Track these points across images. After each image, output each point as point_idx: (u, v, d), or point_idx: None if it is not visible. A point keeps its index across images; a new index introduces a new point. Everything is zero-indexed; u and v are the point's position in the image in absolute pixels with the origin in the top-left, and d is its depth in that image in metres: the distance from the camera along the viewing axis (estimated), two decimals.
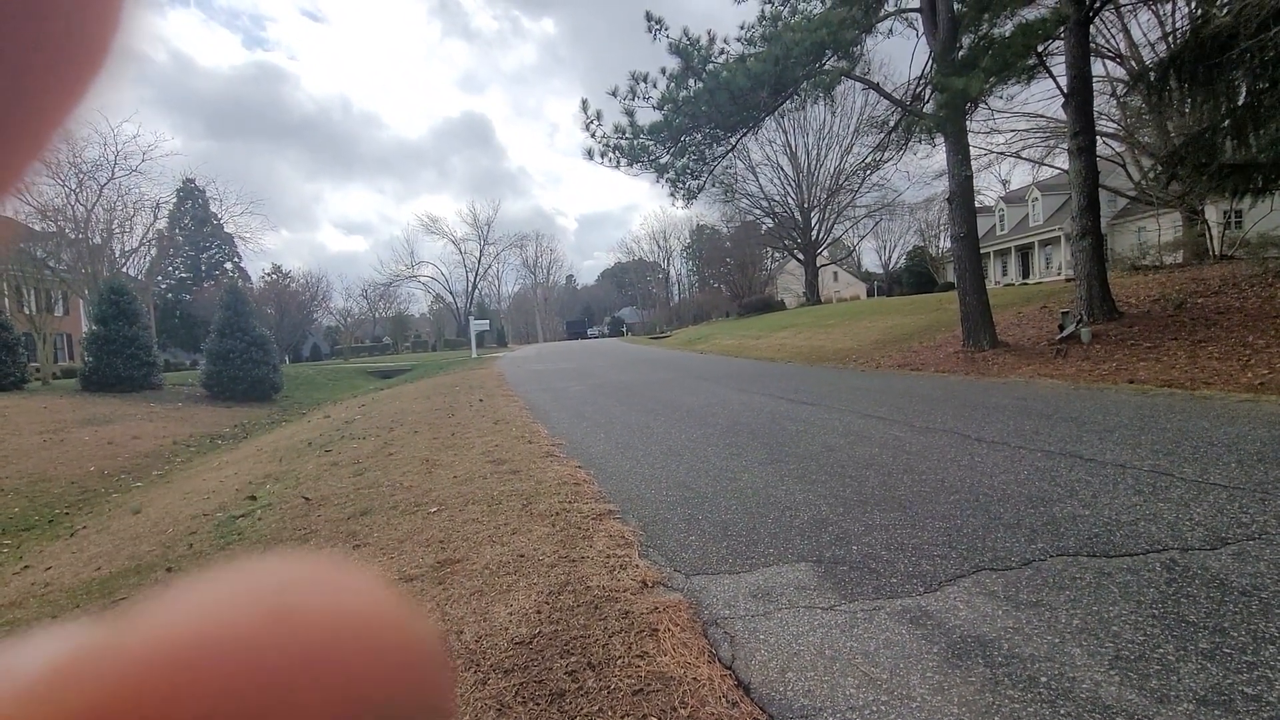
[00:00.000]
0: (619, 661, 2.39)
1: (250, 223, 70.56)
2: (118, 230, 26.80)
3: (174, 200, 43.04)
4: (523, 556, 3.48)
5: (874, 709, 1.96)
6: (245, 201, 72.57)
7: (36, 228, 25.47)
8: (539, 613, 2.82)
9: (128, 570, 4.68)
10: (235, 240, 45.66)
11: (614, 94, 13.72)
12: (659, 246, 78.74)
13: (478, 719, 2.15)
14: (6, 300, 22.85)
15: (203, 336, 23.19)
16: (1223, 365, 7.75)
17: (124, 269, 27.62)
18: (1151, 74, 11.93)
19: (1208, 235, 18.85)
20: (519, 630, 2.69)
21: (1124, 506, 3.45)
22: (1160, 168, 13.36)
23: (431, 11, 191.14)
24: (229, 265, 51.39)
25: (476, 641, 2.64)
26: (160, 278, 42.17)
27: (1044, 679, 2.01)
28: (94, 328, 19.98)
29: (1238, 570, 2.62)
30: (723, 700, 2.10)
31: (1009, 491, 3.88)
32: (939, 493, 3.98)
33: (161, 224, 30.95)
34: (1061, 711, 1.86)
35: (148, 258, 29.81)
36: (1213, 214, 19.34)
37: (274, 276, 52.51)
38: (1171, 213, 21.85)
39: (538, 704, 2.19)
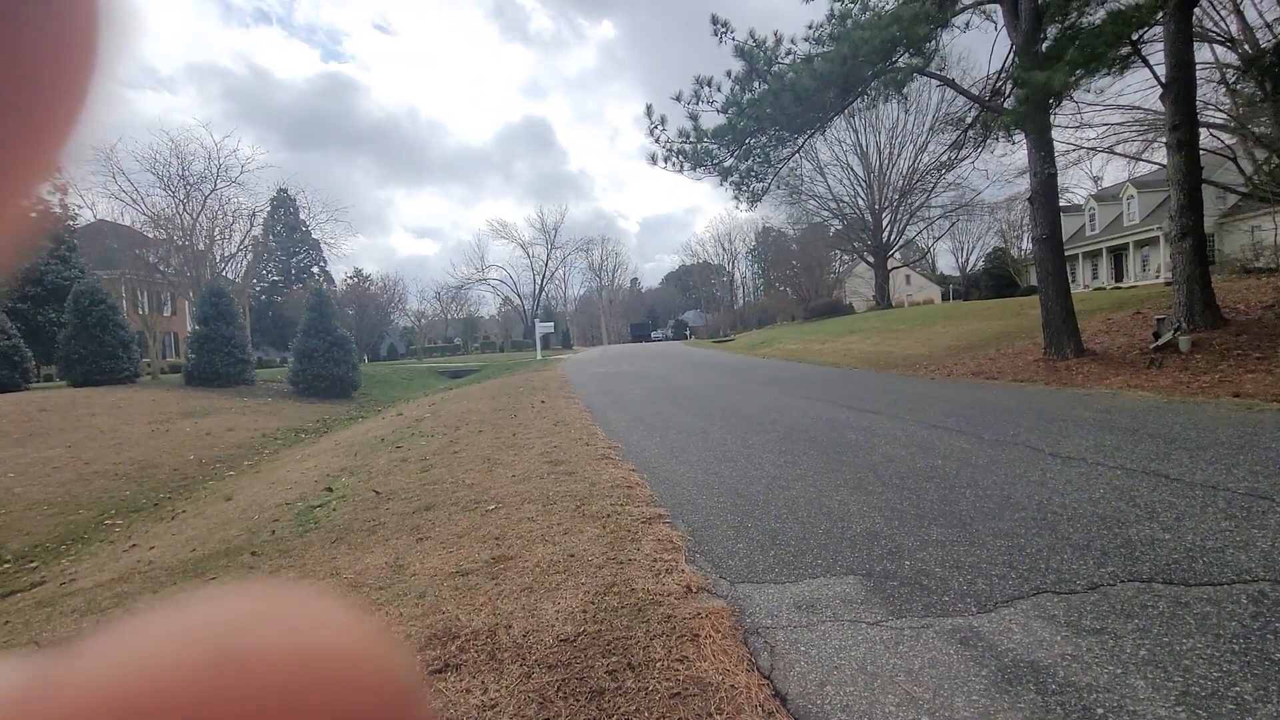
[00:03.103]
0: (659, 664, 2.42)
1: (334, 229, 74.62)
2: (219, 237, 29.05)
3: (268, 209, 46.22)
4: (572, 556, 3.57)
5: None
6: (330, 210, 77.05)
7: (150, 235, 27.98)
8: (584, 612, 2.89)
9: (218, 553, 5.09)
10: (321, 246, 48.56)
11: (678, 98, 13.79)
12: (723, 249, 78.31)
13: (520, 711, 2.23)
14: (124, 301, 25.19)
15: (292, 336, 24.81)
16: None
17: (223, 273, 29.89)
18: (1267, 58, 10.91)
19: None
20: (564, 628, 2.77)
21: (1211, 531, 3.20)
22: (1277, 160, 12.20)
23: (488, 15, 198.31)
24: (315, 269, 54.72)
25: (524, 636, 2.74)
26: (255, 281, 45.35)
27: (1100, 710, 1.91)
28: (196, 327, 21.74)
29: None
30: (759, 709, 2.10)
31: (1081, 510, 3.66)
32: (1003, 509, 3.80)
33: (257, 231, 33.33)
34: None
35: (244, 262, 32.16)
36: None
37: (355, 280, 55.51)
38: None
39: (578, 700, 2.25)
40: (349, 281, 55.44)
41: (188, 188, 27.50)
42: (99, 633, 0.14)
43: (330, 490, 6.51)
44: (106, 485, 10.28)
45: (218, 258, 29.47)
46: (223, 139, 35.95)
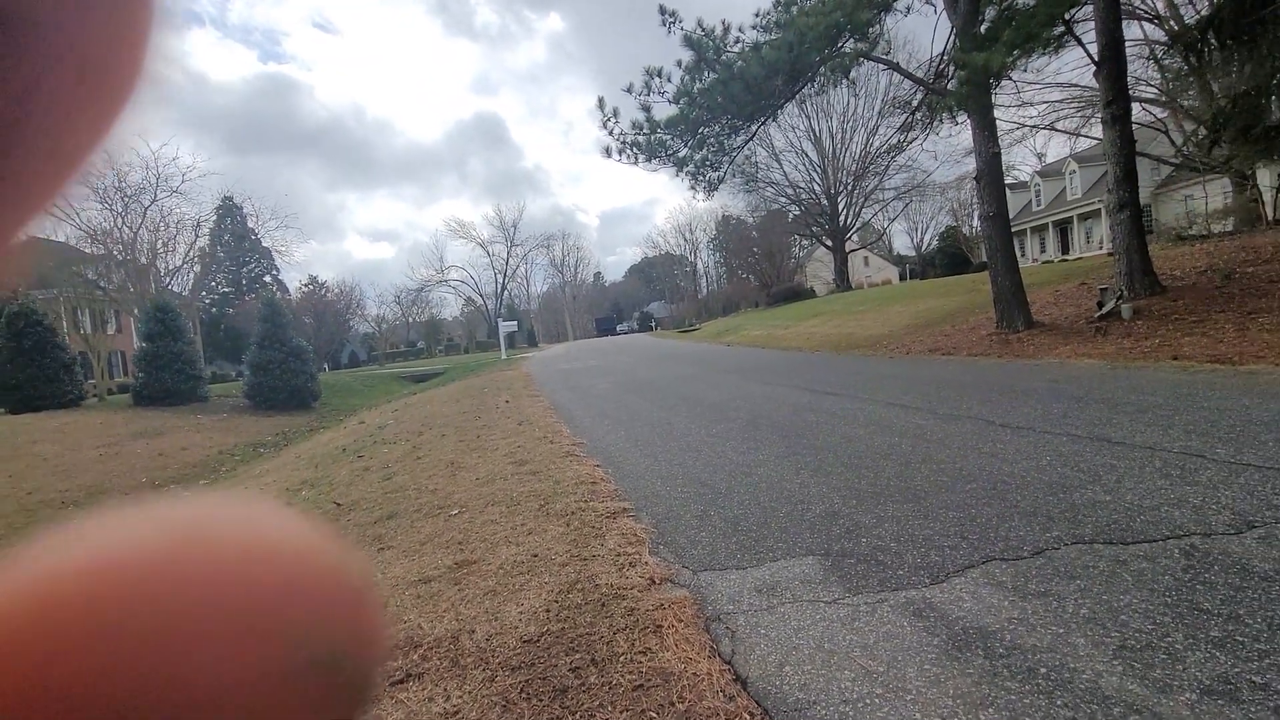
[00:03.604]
0: (622, 658, 2.43)
1: (285, 236, 72.61)
2: (162, 250, 27.99)
3: (214, 218, 44.60)
4: (536, 556, 3.55)
5: (868, 702, 1.96)
6: (280, 216, 74.82)
7: (87, 250, 26.74)
8: (548, 611, 2.88)
9: None
10: (273, 254, 47.14)
11: (629, 90, 13.71)
12: (685, 239, 78.54)
13: (483, 716, 2.21)
14: (64, 322, 24.04)
15: (246, 348, 24.03)
16: (1275, 337, 7.40)
17: (169, 286, 28.79)
18: (1192, 33, 11.38)
19: (1260, 201, 17.93)
20: (528, 629, 2.75)
21: (1148, 491, 3.34)
22: (1204, 132, 12.76)
23: (430, 10, 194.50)
24: (268, 278, 53.10)
25: (487, 640, 2.71)
26: (204, 293, 43.82)
27: (1044, 670, 1.98)
28: (143, 345, 20.91)
29: (1262, 555, 2.52)
30: (720, 694, 2.12)
31: (1029, 479, 3.79)
32: (956, 482, 3.91)
33: (203, 242, 32.21)
34: (1058, 703, 1.83)
35: (191, 275, 31.04)
36: (1265, 178, 18.37)
37: (310, 287, 54.04)
38: (1220, 179, 20.84)
39: (541, 700, 2.24)
40: (304, 289, 53.94)
41: (125, 200, 26.39)
42: (51, 533, 0.15)
43: (290, 505, 6.34)
44: (52, 515, 9.83)
45: (162, 271, 28.37)
46: (160, 147, 34.47)
